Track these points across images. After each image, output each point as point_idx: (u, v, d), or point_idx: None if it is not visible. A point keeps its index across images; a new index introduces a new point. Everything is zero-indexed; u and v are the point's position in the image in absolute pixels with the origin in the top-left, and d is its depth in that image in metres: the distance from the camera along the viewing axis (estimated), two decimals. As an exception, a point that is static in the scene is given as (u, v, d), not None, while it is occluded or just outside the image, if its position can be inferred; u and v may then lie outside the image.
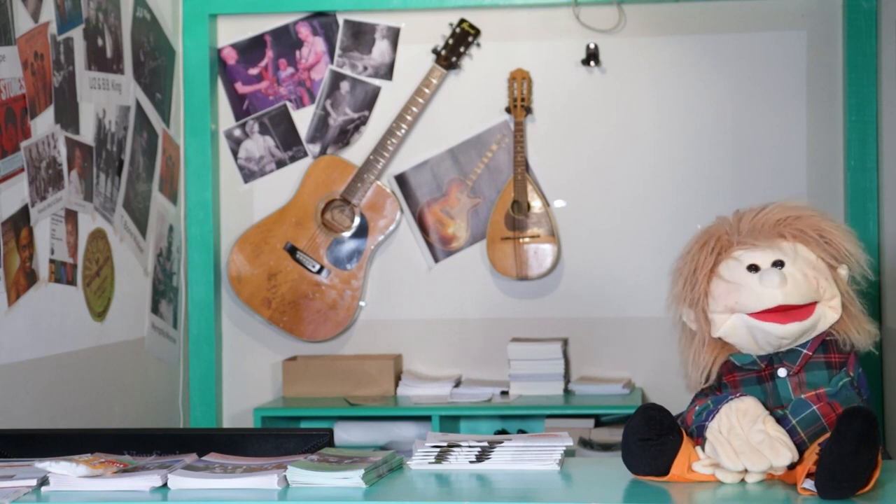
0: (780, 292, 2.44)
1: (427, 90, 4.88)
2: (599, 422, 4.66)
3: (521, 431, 4.80)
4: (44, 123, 3.81)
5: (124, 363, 4.43)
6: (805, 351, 2.48)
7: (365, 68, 4.98)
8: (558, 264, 4.90)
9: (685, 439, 2.39)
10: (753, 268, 2.49)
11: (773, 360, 2.49)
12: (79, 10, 4.05)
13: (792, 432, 2.38)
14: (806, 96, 4.83)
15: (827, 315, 2.49)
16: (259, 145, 5.04)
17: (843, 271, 2.54)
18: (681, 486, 2.35)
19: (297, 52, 5.00)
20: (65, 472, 2.39)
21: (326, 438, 2.66)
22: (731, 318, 2.50)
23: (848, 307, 2.52)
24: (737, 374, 2.51)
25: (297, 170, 5.00)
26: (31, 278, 3.73)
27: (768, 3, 4.83)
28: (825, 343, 2.50)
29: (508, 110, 4.90)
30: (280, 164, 5.03)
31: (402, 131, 4.88)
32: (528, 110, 4.89)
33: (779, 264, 2.48)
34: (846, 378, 2.46)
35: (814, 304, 2.47)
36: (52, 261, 3.86)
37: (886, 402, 4.60)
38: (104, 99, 4.25)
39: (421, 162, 4.97)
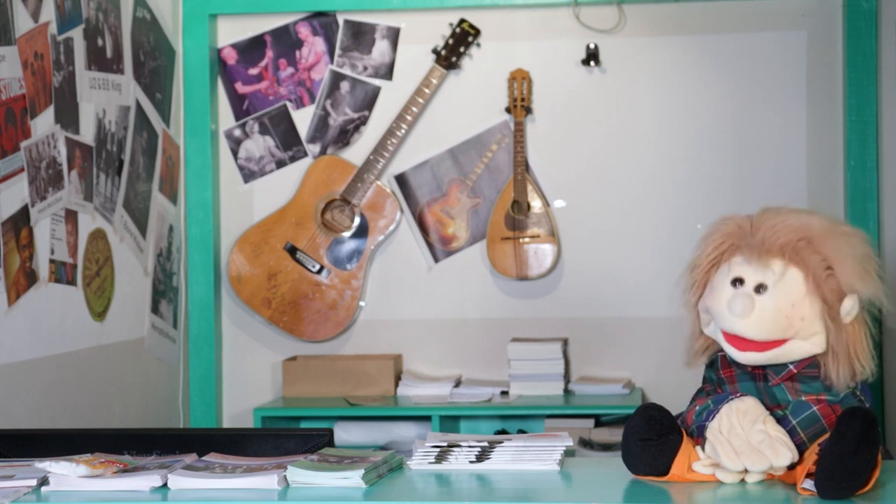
0: (739, 323, 2.39)
1: (427, 90, 4.88)
2: (599, 422, 4.66)
3: (521, 431, 4.80)
4: (44, 123, 3.81)
5: (124, 363, 4.43)
6: (790, 367, 2.43)
7: (365, 68, 4.98)
8: (558, 264, 4.90)
9: (685, 439, 2.39)
10: (738, 281, 2.45)
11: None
12: (79, 10, 4.05)
13: (792, 433, 2.37)
14: (806, 96, 4.82)
15: (802, 348, 2.41)
16: (259, 145, 5.03)
17: (847, 304, 2.40)
18: (681, 486, 2.35)
19: (297, 52, 5.00)
20: (65, 472, 2.39)
21: (326, 438, 2.66)
22: (713, 323, 2.49)
23: (833, 343, 2.40)
24: (733, 370, 2.50)
25: (297, 170, 5.00)
26: (31, 278, 3.72)
27: (768, 3, 4.83)
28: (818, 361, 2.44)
29: (508, 110, 4.89)
30: (280, 164, 5.03)
31: (402, 131, 4.88)
32: (528, 110, 4.89)
33: (761, 288, 2.41)
34: (847, 389, 2.44)
35: (780, 340, 2.40)
36: (52, 261, 3.86)
37: (886, 402, 4.60)
38: (104, 99, 4.25)
39: (421, 162, 4.97)
